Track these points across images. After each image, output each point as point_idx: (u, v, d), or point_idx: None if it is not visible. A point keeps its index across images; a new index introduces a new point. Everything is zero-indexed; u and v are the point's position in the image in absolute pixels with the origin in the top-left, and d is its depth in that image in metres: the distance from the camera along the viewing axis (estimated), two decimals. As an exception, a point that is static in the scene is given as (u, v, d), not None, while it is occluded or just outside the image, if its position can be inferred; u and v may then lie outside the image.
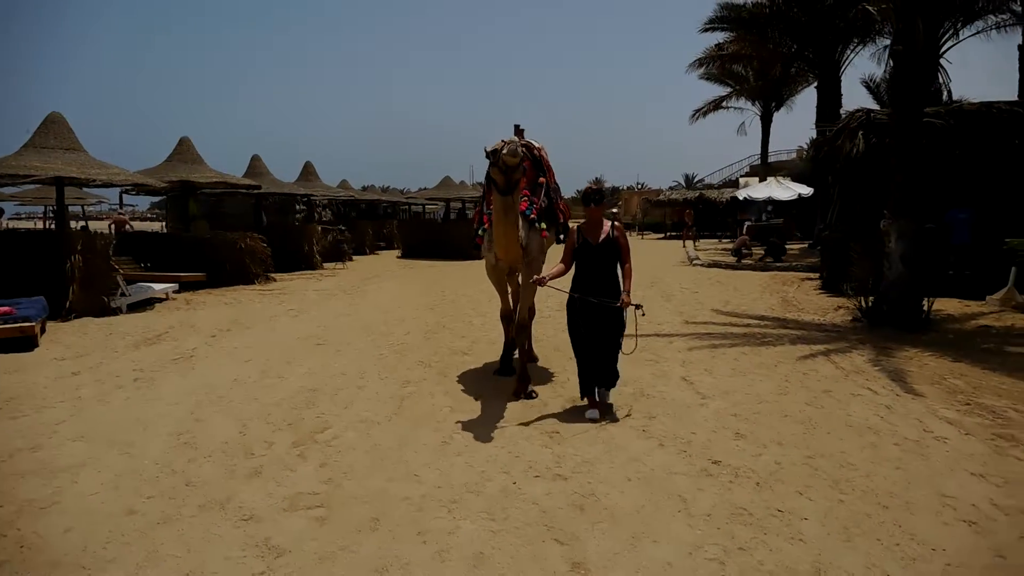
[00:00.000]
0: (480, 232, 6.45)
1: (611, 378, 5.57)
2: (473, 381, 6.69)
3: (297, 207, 28.32)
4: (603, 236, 5.46)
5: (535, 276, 5.49)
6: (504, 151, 5.22)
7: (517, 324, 6.56)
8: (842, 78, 22.49)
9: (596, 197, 5.53)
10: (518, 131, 6.94)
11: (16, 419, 5.48)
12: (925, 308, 9.31)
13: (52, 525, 3.69)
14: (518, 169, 5.36)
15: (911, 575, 3.18)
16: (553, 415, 5.60)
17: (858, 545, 3.46)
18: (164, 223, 33.80)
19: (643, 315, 5.47)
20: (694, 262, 20.55)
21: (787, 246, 22.06)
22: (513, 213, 5.59)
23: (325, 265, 19.65)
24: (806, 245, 25.69)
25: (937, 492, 4.08)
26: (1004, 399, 5.98)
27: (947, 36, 21.34)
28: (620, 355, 5.56)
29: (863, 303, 9.78)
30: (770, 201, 30.23)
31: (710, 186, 45.22)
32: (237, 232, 15.38)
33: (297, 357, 7.88)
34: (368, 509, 3.89)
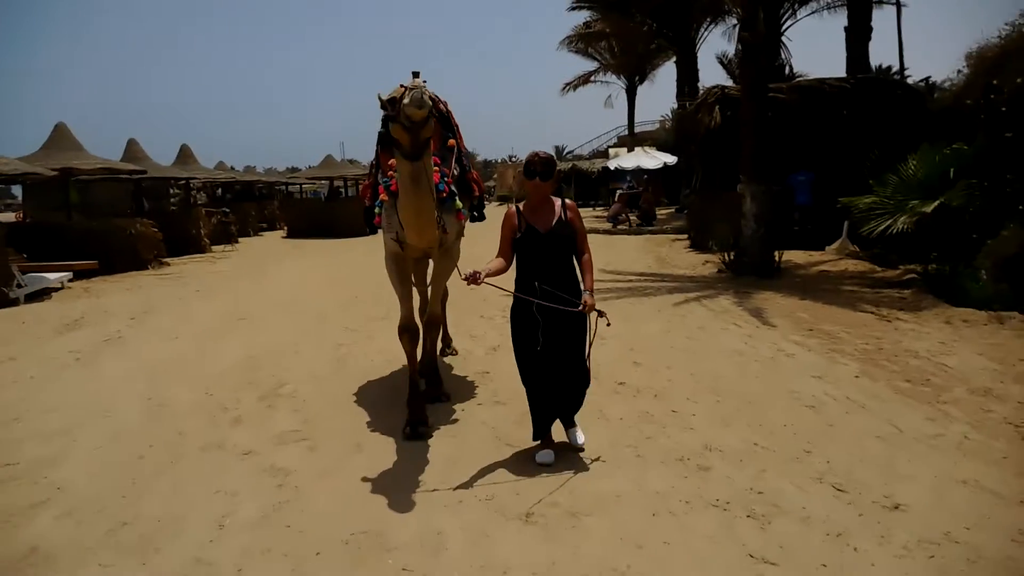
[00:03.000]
0: (377, 208, 4.99)
1: (575, 406, 4.41)
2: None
3: (171, 191, 27.52)
4: (555, 220, 4.14)
5: (469, 271, 3.83)
6: (406, 100, 3.87)
7: (428, 318, 5.45)
8: (698, 54, 24.43)
9: (543, 168, 4.10)
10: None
11: (-20, 399, 5.81)
12: (776, 259, 10.92)
13: (74, 472, 4.26)
14: (427, 124, 4.07)
15: (771, 442, 4.37)
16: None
17: (734, 429, 4.62)
18: (19, 213, 31.87)
19: (608, 325, 4.12)
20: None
21: (656, 211, 23.90)
22: (426, 182, 4.27)
23: (213, 248, 19.53)
24: (673, 210, 27.75)
25: (788, 390, 5.35)
26: (837, 325, 7.46)
27: (787, 16, 23.77)
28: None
29: (726, 257, 11.29)
30: (639, 170, 32.19)
31: (580, 157, 47.10)
32: (125, 218, 15.20)
33: (225, 332, 8.36)
34: (349, 439, 4.68)
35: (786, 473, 3.93)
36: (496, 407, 5.24)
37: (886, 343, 6.66)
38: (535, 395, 4.27)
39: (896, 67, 26.58)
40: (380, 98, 4.14)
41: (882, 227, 9.45)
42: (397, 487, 3.89)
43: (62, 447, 4.68)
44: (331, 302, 10.24)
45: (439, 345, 6.19)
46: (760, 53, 10.73)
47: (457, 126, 5.40)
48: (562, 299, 4.02)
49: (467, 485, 3.88)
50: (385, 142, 4.75)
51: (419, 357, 5.29)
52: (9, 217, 34.77)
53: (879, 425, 4.59)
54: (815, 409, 4.93)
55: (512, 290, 4.17)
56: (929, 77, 15.79)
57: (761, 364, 6.11)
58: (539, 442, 4.32)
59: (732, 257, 11.15)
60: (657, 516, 3.48)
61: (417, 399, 4.93)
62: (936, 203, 8.85)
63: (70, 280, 12.74)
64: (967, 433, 4.41)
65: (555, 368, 4.17)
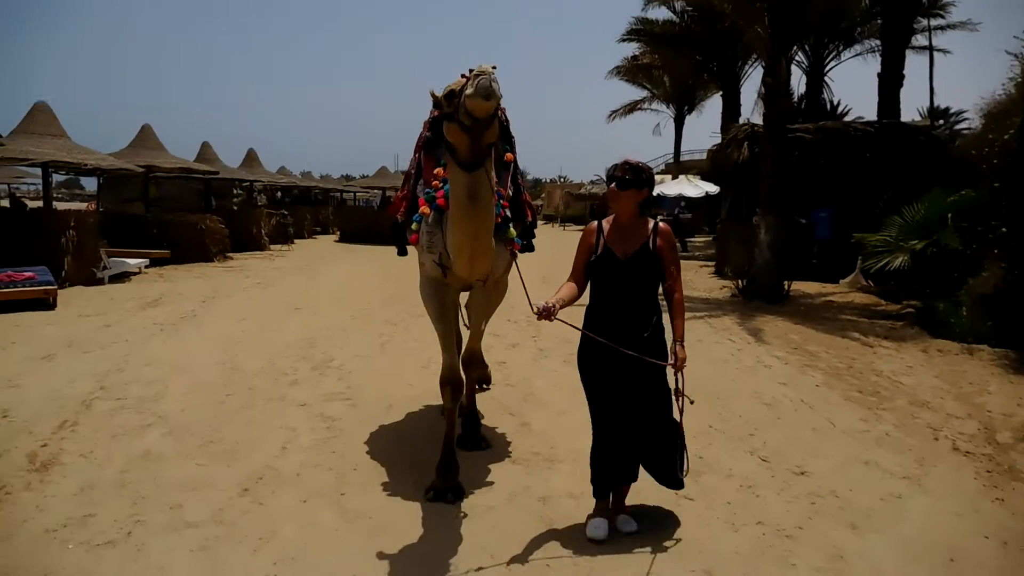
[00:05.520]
0: (415, 224, 4.12)
1: (666, 475, 3.69)
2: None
3: (234, 191, 29.34)
4: (639, 246, 3.44)
5: (541, 303, 3.23)
6: (470, 91, 3.09)
7: (466, 354, 4.77)
8: (742, 89, 25.28)
9: (633, 176, 3.42)
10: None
11: (88, 353, 7.11)
12: (786, 287, 11.79)
13: (170, 408, 5.46)
14: (492, 124, 3.32)
15: (724, 426, 5.35)
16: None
17: (697, 416, 5.50)
18: (90, 204, 34.06)
19: (692, 403, 3.58)
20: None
21: (693, 239, 24.82)
22: (486, 198, 3.51)
23: (272, 247, 21.02)
24: (711, 238, 28.52)
25: (753, 391, 6.31)
26: (821, 347, 8.34)
27: (830, 57, 24.54)
28: (675, 448, 3.66)
29: (739, 283, 12.19)
30: (680, 197, 32.98)
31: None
32: (196, 214, 16.74)
33: (283, 318, 9.60)
34: (383, 401, 5.80)
35: (727, 448, 4.91)
36: (506, 388, 6.31)
37: (858, 363, 7.54)
38: (601, 442, 3.59)
39: (945, 110, 26.98)
40: (434, 95, 3.52)
41: (881, 263, 10.30)
42: (424, 434, 4.99)
43: (158, 390, 5.90)
44: (376, 299, 11.43)
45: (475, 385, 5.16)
46: (780, 97, 11.68)
47: (513, 138, 4.55)
48: (644, 347, 3.41)
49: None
50: (431, 147, 4.25)
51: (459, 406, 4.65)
52: (80, 207, 37.09)
53: (818, 421, 5.54)
54: (770, 406, 5.89)
55: (582, 318, 3.57)
56: (954, 125, 16.41)
57: (740, 371, 7.07)
58: (595, 507, 3.67)
59: (744, 283, 12.04)
60: (616, 467, 4.49)
61: (450, 462, 4.13)
62: (928, 242, 9.68)
63: (146, 266, 14.24)
64: (888, 431, 5.33)
65: (625, 419, 3.52)
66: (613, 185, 3.43)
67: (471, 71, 3.16)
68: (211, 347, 7.59)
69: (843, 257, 14.01)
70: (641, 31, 24.55)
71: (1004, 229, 8.59)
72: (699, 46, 23.51)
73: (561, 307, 3.27)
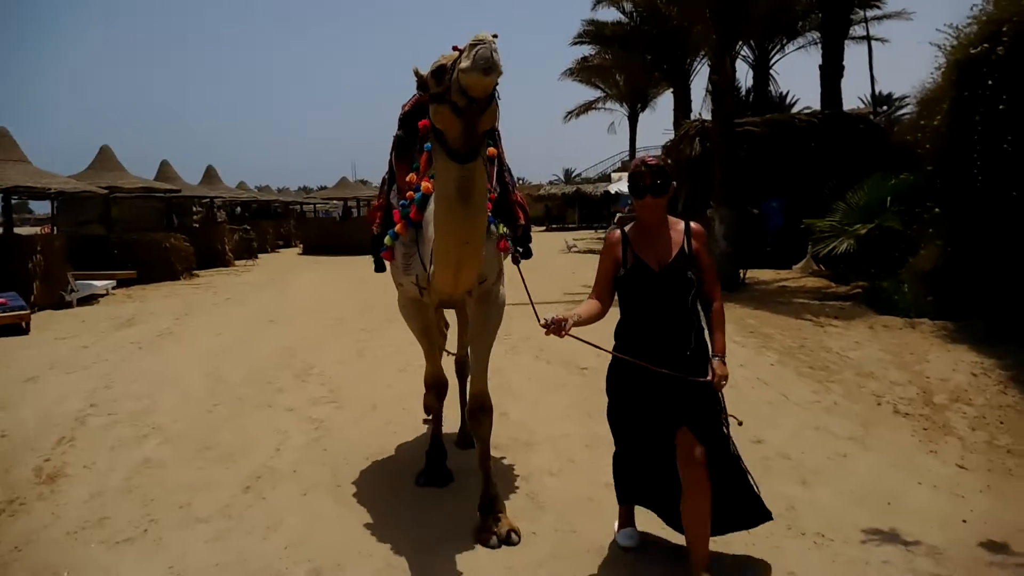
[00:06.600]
0: (388, 239, 3.70)
1: (747, 513, 3.34)
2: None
3: (194, 208, 29.19)
4: (674, 252, 3.06)
5: (550, 316, 2.88)
6: (465, 64, 2.60)
7: (472, 401, 3.84)
8: (692, 86, 25.95)
9: (653, 181, 3.01)
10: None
11: (72, 373, 7.29)
12: (741, 275, 12.32)
13: (163, 419, 5.71)
14: (491, 106, 2.82)
15: (686, 405, 5.75)
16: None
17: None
18: (45, 227, 33.58)
19: (740, 424, 3.30)
20: (572, 249, 23.44)
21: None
22: (480, 201, 3.10)
23: (236, 262, 21.06)
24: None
25: (713, 373, 6.73)
26: (776, 329, 8.84)
27: (775, 51, 25.34)
28: (746, 477, 3.36)
29: (697, 273, 12.70)
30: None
31: (588, 180, 48.71)
32: (159, 233, 16.77)
33: (259, 330, 9.82)
34: (366, 402, 6.11)
35: (690, 423, 5.32)
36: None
37: (810, 342, 8.04)
38: (622, 453, 3.38)
39: (888, 96, 28.01)
40: (418, 74, 2.99)
41: (829, 248, 10.88)
42: (405, 429, 5.31)
43: (148, 404, 6.14)
44: (348, 308, 11.69)
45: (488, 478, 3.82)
46: (727, 93, 12.22)
47: (498, 131, 3.81)
48: (681, 364, 3.01)
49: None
50: (403, 148, 3.76)
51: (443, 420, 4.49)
52: (33, 231, 36.48)
53: (773, 395, 5.99)
54: (733, 388, 6.27)
55: (612, 340, 3.25)
56: (897, 110, 17.17)
57: (700, 355, 7.50)
58: (619, 515, 3.52)
59: (702, 273, 12.54)
60: (590, 447, 4.87)
61: (437, 450, 4.28)
62: (871, 226, 10.28)
63: (113, 287, 14.29)
64: (837, 400, 5.81)
65: (656, 444, 3.14)
66: (647, 196, 3.01)
67: (457, 48, 2.76)
68: (193, 361, 7.81)
69: (795, 244, 14.60)
70: (592, 33, 25.08)
71: (938, 210, 9.18)
72: (649, 45, 24.06)
73: (575, 324, 2.89)
